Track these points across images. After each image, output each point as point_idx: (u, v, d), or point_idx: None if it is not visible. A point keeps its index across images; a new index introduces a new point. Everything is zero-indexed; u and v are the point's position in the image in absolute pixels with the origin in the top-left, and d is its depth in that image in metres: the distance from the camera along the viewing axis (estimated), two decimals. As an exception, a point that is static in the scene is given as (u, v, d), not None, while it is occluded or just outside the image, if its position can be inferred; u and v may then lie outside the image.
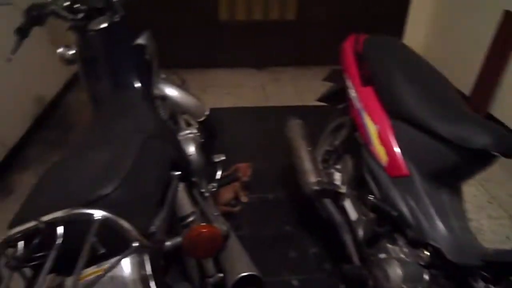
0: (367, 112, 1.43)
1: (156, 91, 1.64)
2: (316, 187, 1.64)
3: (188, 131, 1.54)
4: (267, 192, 2.27)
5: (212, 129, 1.94)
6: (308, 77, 3.69)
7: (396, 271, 1.26)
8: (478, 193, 2.28)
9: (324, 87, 1.96)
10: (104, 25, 1.54)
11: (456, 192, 1.25)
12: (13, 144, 2.53)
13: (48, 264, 0.70)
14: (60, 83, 3.29)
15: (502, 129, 1.11)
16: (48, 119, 2.99)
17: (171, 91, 1.75)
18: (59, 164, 1.00)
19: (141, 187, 0.90)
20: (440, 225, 1.18)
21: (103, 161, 0.91)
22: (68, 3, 1.48)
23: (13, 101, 2.56)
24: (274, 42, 3.76)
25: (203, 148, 1.58)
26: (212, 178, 1.69)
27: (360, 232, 1.49)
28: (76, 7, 1.50)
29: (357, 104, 1.49)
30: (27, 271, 0.82)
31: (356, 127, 1.53)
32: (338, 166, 1.83)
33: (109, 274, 0.78)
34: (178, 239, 0.99)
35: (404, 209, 1.26)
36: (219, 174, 1.70)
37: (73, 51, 1.59)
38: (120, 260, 0.78)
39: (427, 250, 1.20)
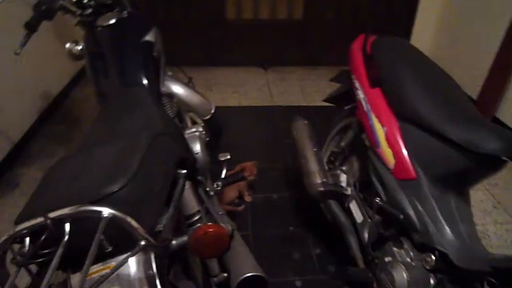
0: (375, 113, 1.42)
1: (163, 89, 1.64)
2: (321, 188, 1.63)
3: (193, 129, 1.54)
4: (271, 192, 2.27)
5: (217, 128, 1.93)
6: (314, 77, 3.68)
7: (401, 275, 1.25)
8: (484, 198, 2.26)
9: (331, 87, 1.95)
10: (112, 21, 1.54)
11: (464, 196, 1.24)
12: (18, 138, 2.53)
13: (55, 261, 0.70)
14: (66, 78, 3.29)
15: (512, 134, 1.10)
16: (54, 114, 3.00)
17: (178, 89, 1.74)
18: (67, 160, 1.00)
19: (148, 185, 0.90)
20: (447, 230, 1.17)
21: (111, 157, 0.91)
22: (76, -2, 1.48)
23: (19, 95, 2.57)
24: (281, 42, 3.75)
25: (208, 146, 1.58)
26: (217, 176, 1.68)
27: (365, 235, 1.48)
28: (85, 3, 1.50)
29: (365, 105, 1.48)
30: (33, 267, 0.82)
31: (363, 128, 1.52)
32: (344, 168, 1.82)
33: (115, 272, 0.78)
34: (184, 238, 0.99)
35: (411, 213, 1.25)
36: (224, 172, 1.69)
37: (81, 47, 1.59)
38: (127, 258, 0.77)
39: (434, 255, 1.19)
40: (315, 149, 1.79)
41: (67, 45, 1.59)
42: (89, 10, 1.50)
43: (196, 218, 1.29)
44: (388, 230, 1.35)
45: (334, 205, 1.67)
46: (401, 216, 1.26)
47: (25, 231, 0.76)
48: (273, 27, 3.70)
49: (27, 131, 2.63)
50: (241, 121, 2.97)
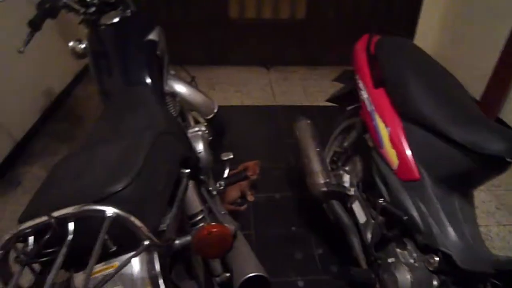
0: (378, 114, 1.42)
1: (166, 88, 1.63)
2: (324, 188, 1.63)
3: (196, 128, 1.53)
4: (274, 192, 2.27)
5: (220, 127, 1.93)
6: (316, 77, 3.67)
7: (404, 276, 1.24)
8: (486, 199, 2.26)
9: (333, 87, 1.95)
10: (116, 19, 1.54)
11: (468, 198, 1.23)
12: (21, 136, 2.54)
13: (59, 260, 0.69)
14: (69, 76, 3.30)
15: (517, 135, 1.09)
16: (57, 112, 3.00)
17: (181, 88, 1.74)
18: (70, 158, 1.00)
19: (152, 184, 0.90)
20: (451, 231, 1.16)
21: (114, 156, 0.91)
22: (80, -4, 1.48)
23: (22, 93, 2.57)
24: (284, 41, 3.74)
25: (211, 145, 1.57)
26: (219, 176, 1.68)
27: (368, 235, 1.48)
28: (88, 1, 1.51)
29: (369, 105, 1.47)
30: (36, 266, 0.82)
31: (366, 128, 1.52)
32: (347, 168, 1.82)
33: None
34: (187, 238, 0.98)
35: (415, 214, 1.24)
36: (226, 172, 1.69)
37: (84, 45, 1.59)
38: (131, 258, 0.77)
39: (437, 256, 1.18)
40: (318, 149, 1.79)
41: (71, 44, 1.59)
42: (93, 9, 1.50)
43: (199, 217, 1.29)
44: (391, 231, 1.34)
45: (337, 205, 1.66)
46: (405, 217, 1.26)
47: (28, 230, 0.76)
48: (275, 27, 3.69)
49: (29, 129, 2.63)
50: (243, 120, 2.97)
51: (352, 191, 1.66)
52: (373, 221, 1.48)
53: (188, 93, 1.78)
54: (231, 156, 1.68)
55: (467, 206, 1.21)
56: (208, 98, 1.87)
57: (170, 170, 1.03)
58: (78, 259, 0.77)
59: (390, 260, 1.33)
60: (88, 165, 0.92)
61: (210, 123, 1.85)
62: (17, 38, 1.46)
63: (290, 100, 3.31)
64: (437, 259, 1.18)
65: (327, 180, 1.65)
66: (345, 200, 1.65)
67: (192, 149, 1.41)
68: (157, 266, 0.84)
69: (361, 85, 1.54)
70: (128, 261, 0.76)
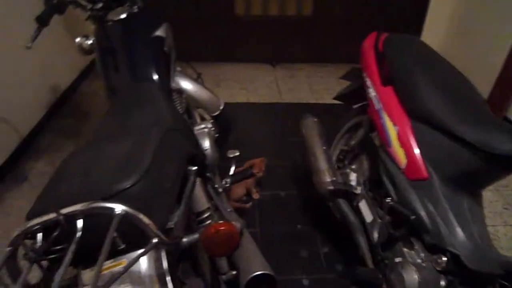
0: (386, 112, 1.41)
1: (173, 84, 1.63)
2: (330, 187, 1.62)
3: (202, 125, 1.53)
4: (279, 189, 2.26)
5: (226, 124, 1.92)
6: (322, 74, 3.65)
7: (412, 276, 1.24)
8: (494, 199, 2.24)
9: (339, 85, 1.93)
10: (123, 15, 1.54)
11: (476, 198, 1.22)
12: (27, 132, 2.54)
13: (68, 257, 0.69)
14: (75, 72, 3.30)
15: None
16: (62, 108, 3.00)
17: (187, 85, 1.74)
18: (77, 155, 0.99)
19: (160, 182, 0.89)
20: (459, 231, 1.15)
21: (122, 153, 0.90)
22: (87, -8, 1.48)
23: (28, 89, 2.57)
24: (290, 38, 3.72)
25: (217, 143, 1.57)
26: (225, 173, 1.68)
27: (375, 235, 1.47)
28: (96, -3, 1.50)
29: (376, 104, 1.46)
30: (44, 262, 0.82)
31: (373, 127, 1.51)
32: (353, 166, 1.81)
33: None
34: (195, 236, 0.98)
35: (422, 213, 1.23)
36: (232, 169, 1.68)
37: (91, 41, 1.58)
38: (140, 256, 0.77)
39: (445, 256, 1.17)
40: (324, 147, 1.78)
41: (77, 39, 1.59)
42: (100, 5, 1.49)
43: (206, 215, 1.29)
44: (398, 230, 1.34)
45: (343, 204, 1.65)
46: (412, 217, 1.25)
47: (37, 227, 0.75)
48: (282, 24, 3.67)
49: (35, 125, 2.64)
50: (249, 117, 2.97)
51: (358, 190, 1.65)
52: (380, 220, 1.48)
53: (195, 90, 1.77)
54: (237, 154, 1.67)
55: (475, 206, 1.20)
56: (214, 95, 1.86)
57: (178, 167, 1.03)
58: (86, 256, 0.77)
59: (397, 259, 1.32)
60: (95, 162, 0.92)
61: (216, 120, 1.84)
62: (23, 34, 1.46)
63: (296, 97, 3.30)
64: (445, 259, 1.17)
65: (334, 178, 1.64)
66: (351, 198, 1.64)
67: (198, 146, 1.41)
68: (165, 264, 0.84)
69: (368, 83, 1.53)
70: (137, 259, 0.76)
